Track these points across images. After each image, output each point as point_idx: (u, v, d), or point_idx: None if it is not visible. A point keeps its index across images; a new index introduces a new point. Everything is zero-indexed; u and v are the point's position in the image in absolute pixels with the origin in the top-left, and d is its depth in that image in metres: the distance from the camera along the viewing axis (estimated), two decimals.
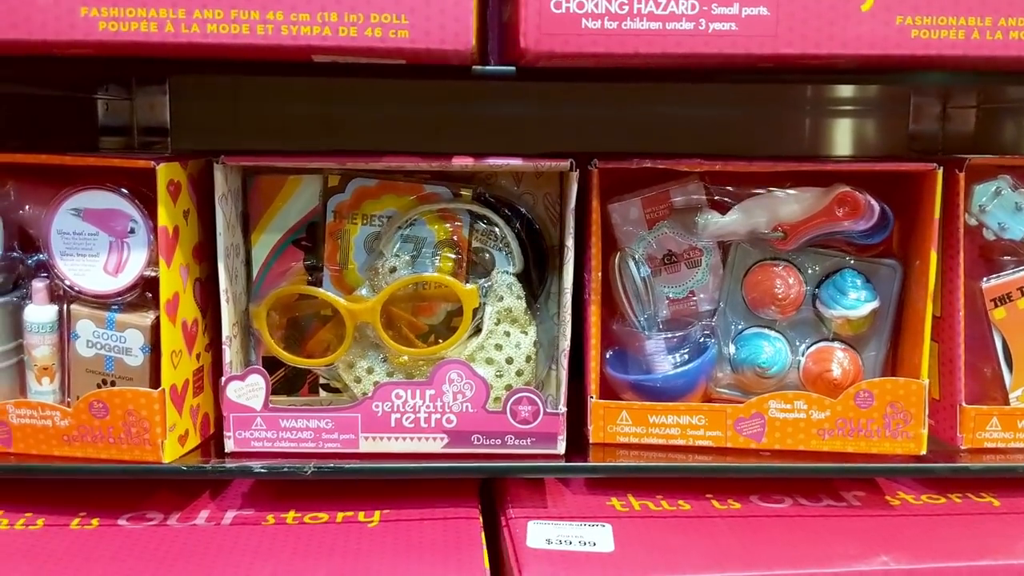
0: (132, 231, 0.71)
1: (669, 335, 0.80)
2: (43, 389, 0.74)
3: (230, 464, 0.72)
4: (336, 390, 0.79)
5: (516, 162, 0.72)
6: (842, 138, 1.24)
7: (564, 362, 0.74)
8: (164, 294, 0.70)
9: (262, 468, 0.71)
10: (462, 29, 0.61)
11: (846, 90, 1.22)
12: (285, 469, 0.71)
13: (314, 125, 1.16)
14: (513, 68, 0.68)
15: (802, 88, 1.23)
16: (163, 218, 0.69)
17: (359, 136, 1.14)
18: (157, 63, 0.66)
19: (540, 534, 0.72)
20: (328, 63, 0.67)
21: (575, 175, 0.72)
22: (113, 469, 0.71)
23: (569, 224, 0.72)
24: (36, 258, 0.74)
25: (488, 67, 0.68)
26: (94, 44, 0.60)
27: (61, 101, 1.09)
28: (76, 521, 0.74)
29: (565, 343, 0.74)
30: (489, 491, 0.81)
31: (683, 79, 0.69)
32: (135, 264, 0.71)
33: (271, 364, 0.77)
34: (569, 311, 0.73)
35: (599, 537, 0.72)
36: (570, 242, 0.73)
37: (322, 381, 0.79)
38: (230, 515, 0.76)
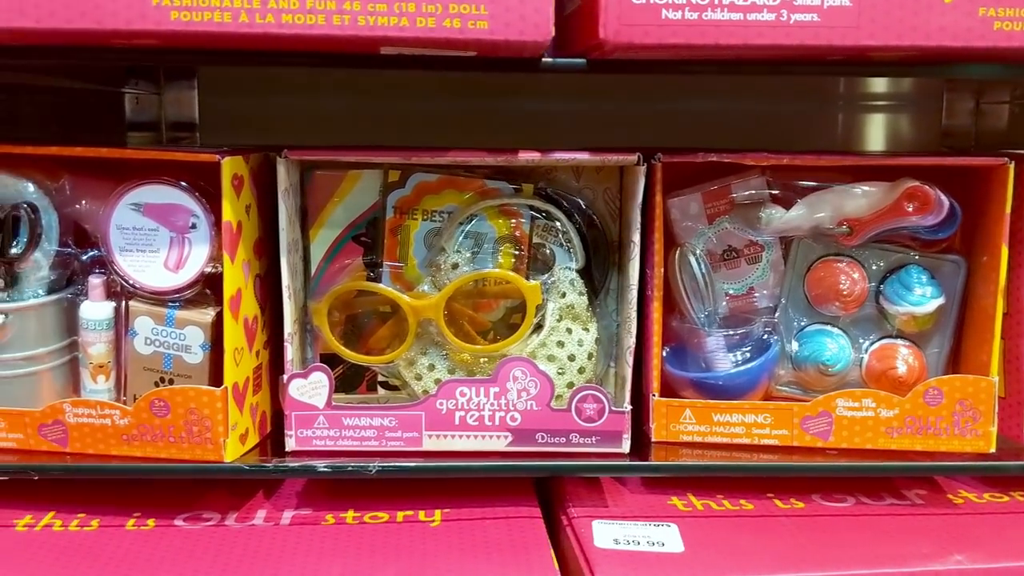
0: (193, 226, 0.69)
1: (730, 332, 0.79)
2: (98, 387, 0.73)
3: (293, 463, 0.71)
4: (394, 387, 0.78)
5: (583, 156, 0.71)
6: (875, 133, 1.23)
7: (629, 359, 0.73)
8: (228, 290, 0.68)
9: (326, 467, 0.70)
10: (542, 20, 0.59)
11: (879, 85, 1.22)
12: (349, 468, 0.70)
13: (343, 120, 1.15)
14: (584, 60, 0.67)
15: (835, 82, 1.22)
16: (227, 213, 0.67)
17: (390, 131, 1.13)
18: (219, 54, 0.65)
19: (607, 534, 0.71)
20: (393, 56, 0.66)
21: (642, 169, 0.71)
22: (175, 469, 0.70)
23: (635, 219, 0.71)
24: (91, 254, 0.73)
25: (560, 59, 0.66)
26: (165, 34, 0.59)
27: (90, 95, 1.07)
28: (131, 522, 0.73)
29: (631, 340, 0.73)
30: (543, 490, 0.80)
31: (759, 72, 0.68)
32: (196, 260, 0.70)
33: (327, 361, 0.76)
34: (634, 307, 0.72)
35: (666, 537, 0.71)
36: (636, 237, 0.72)
37: (380, 379, 0.78)
38: (288, 515, 0.75)
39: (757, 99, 1.17)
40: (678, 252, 0.78)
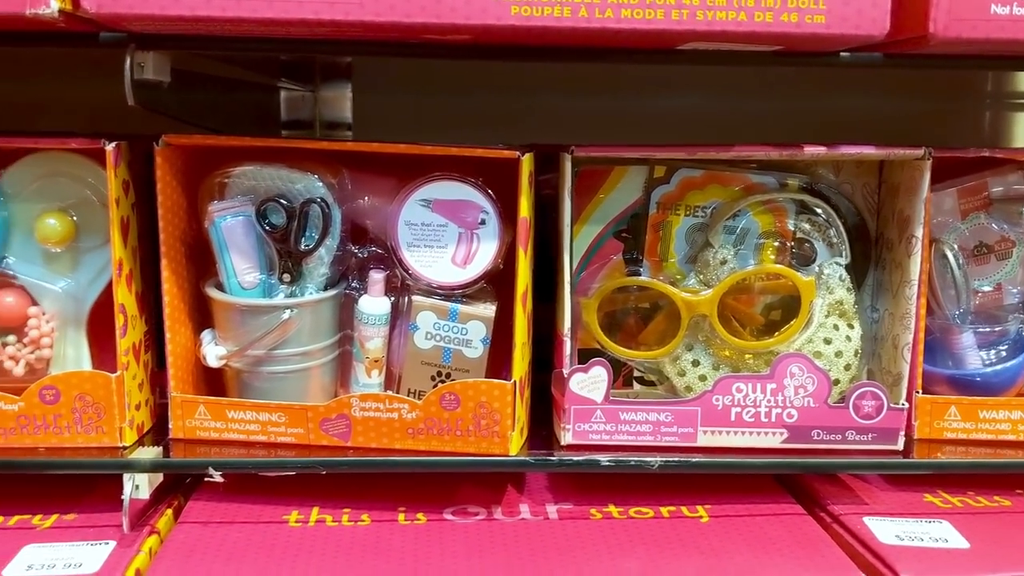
0: (483, 222, 0.69)
1: (985, 329, 0.78)
2: (371, 382, 0.73)
3: (576, 457, 0.71)
4: (650, 383, 0.78)
5: (869, 151, 0.70)
6: (1021, 131, 1.22)
7: (907, 356, 0.73)
8: (520, 285, 0.68)
9: (609, 462, 0.70)
10: (879, 15, 0.59)
11: None
12: (632, 463, 0.70)
13: (494, 116, 1.15)
14: (880, 55, 0.67)
15: (983, 79, 1.21)
16: (524, 209, 0.67)
17: (547, 128, 1.13)
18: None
19: (886, 531, 0.70)
20: (690, 50, 0.66)
21: (927, 164, 0.70)
22: (463, 462, 0.70)
23: (919, 214, 0.71)
24: (368, 249, 0.73)
25: (860, 54, 0.66)
26: (506, 29, 0.59)
27: (250, 92, 1.08)
28: (402, 516, 0.73)
29: (908, 337, 0.72)
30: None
31: None
32: (484, 256, 0.70)
33: (585, 357, 0.76)
34: (914, 304, 0.72)
35: (945, 533, 0.70)
36: (919, 232, 0.71)
37: (636, 374, 0.78)
38: (552, 509, 0.75)
39: (896, 97, 1.15)
40: (933, 247, 0.77)
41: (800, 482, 0.80)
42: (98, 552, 0.67)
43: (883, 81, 1.10)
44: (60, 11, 0.57)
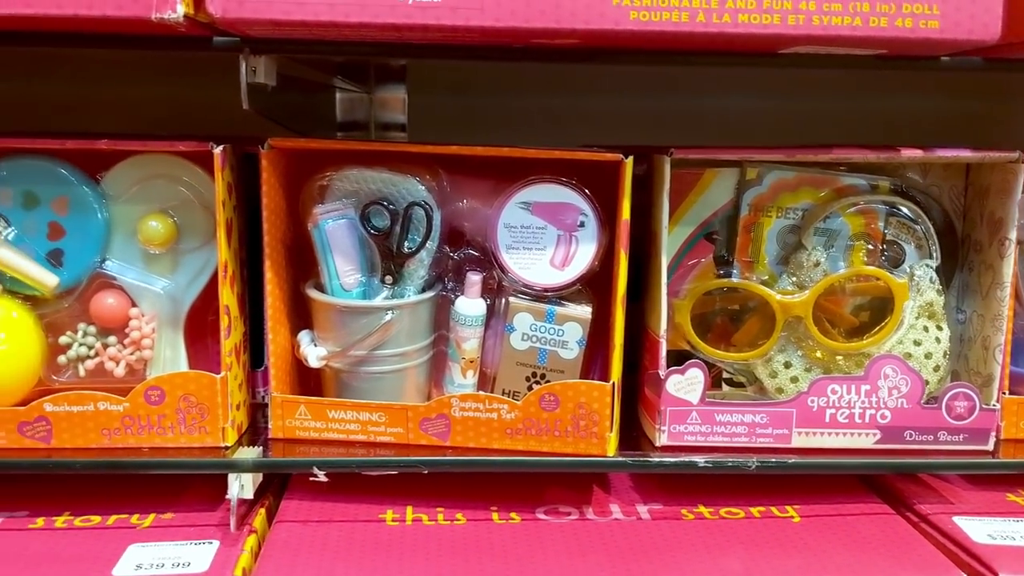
0: (582, 224, 0.70)
1: None
2: (466, 382, 0.74)
3: (673, 458, 0.71)
4: (739, 384, 0.78)
5: (965, 154, 0.71)
6: None
7: (999, 357, 0.73)
8: (620, 287, 0.69)
9: (707, 463, 0.71)
10: (991, 20, 0.60)
11: None
12: (729, 464, 0.71)
13: (539, 117, 1.15)
14: (979, 59, 0.67)
15: None
16: (626, 211, 0.68)
17: (597, 129, 1.13)
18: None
19: (977, 530, 0.71)
20: (791, 54, 0.66)
21: (1022, 166, 0.71)
22: (562, 462, 0.71)
23: (1013, 216, 0.72)
24: (463, 251, 0.74)
25: (961, 59, 0.67)
26: (625, 34, 0.59)
27: (315, 94, 1.08)
28: (496, 515, 0.74)
29: (1000, 337, 0.73)
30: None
31: None
32: (583, 258, 0.70)
33: (673, 359, 0.77)
34: (1006, 305, 0.73)
35: None
36: (1012, 235, 0.72)
37: (725, 375, 0.78)
38: (642, 509, 0.75)
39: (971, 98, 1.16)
40: (1019, 249, 0.78)
41: (883, 482, 0.81)
42: (203, 551, 0.67)
43: (937, 83, 1.10)
44: (184, 16, 0.58)
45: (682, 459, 0.71)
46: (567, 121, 1.14)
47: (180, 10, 0.57)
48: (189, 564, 0.65)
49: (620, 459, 0.71)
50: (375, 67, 1.15)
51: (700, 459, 0.71)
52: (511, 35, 0.60)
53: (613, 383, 0.70)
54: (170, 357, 0.74)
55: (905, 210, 0.75)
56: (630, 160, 0.67)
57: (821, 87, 1.07)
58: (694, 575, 0.65)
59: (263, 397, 0.79)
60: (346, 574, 0.64)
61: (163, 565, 0.65)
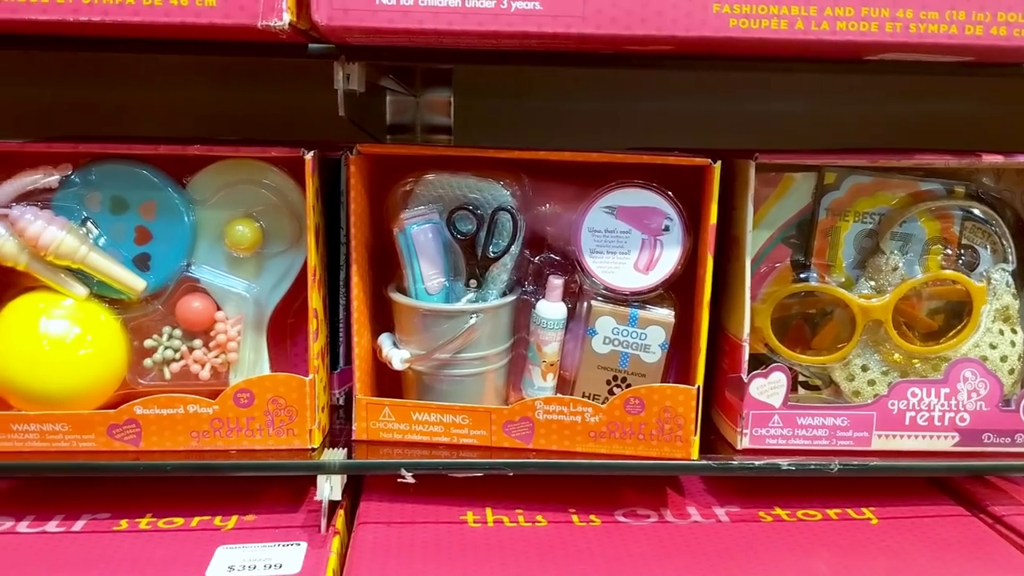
0: (667, 228, 0.71)
1: None
2: (546, 385, 0.74)
3: (757, 461, 0.72)
4: (814, 387, 0.79)
5: None
6: None
7: None
8: (705, 291, 0.70)
9: (790, 465, 0.71)
10: None
11: None
12: (812, 466, 0.71)
13: (592, 121, 1.16)
14: None
15: None
16: (713, 215, 0.69)
17: (645, 132, 1.14)
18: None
19: None
20: (876, 60, 0.67)
21: None
22: (646, 465, 0.71)
23: None
24: (544, 256, 0.74)
25: None
26: (722, 41, 0.60)
27: (373, 97, 1.09)
28: (575, 518, 0.74)
29: None
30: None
31: None
32: (667, 262, 0.71)
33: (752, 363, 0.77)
34: None
35: None
36: None
37: (800, 379, 0.79)
38: (720, 511, 0.76)
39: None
40: None
41: (954, 484, 0.82)
42: (293, 553, 0.68)
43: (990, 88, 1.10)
44: (289, 23, 0.58)
45: (766, 462, 0.72)
46: (611, 125, 1.15)
47: (287, 18, 0.58)
48: (281, 566, 0.66)
49: (704, 462, 0.72)
50: (421, 70, 1.16)
51: (783, 462, 0.72)
52: (608, 42, 0.61)
53: (698, 387, 0.70)
54: (253, 360, 0.75)
55: (981, 214, 0.76)
56: (718, 165, 0.68)
57: (882, 90, 1.08)
58: None
59: (338, 399, 0.80)
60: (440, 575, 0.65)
61: (255, 567, 0.66)
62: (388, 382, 0.78)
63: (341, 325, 0.79)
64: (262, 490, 0.77)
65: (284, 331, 0.77)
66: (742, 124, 1.11)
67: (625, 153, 0.70)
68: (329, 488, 0.69)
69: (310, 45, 0.65)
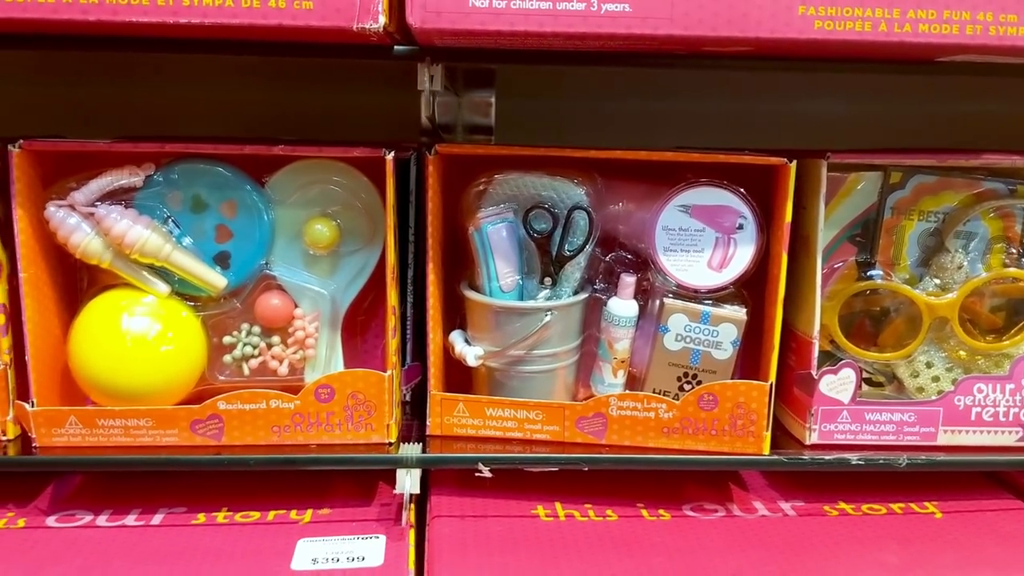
0: (740, 227, 0.72)
1: None
2: (616, 382, 0.75)
3: (827, 456, 0.73)
4: (877, 384, 0.80)
5: None
6: None
7: None
8: (780, 289, 0.71)
9: (859, 460, 0.72)
10: None
11: None
12: (880, 461, 0.73)
13: (632, 121, 1.17)
14: None
15: None
16: (788, 214, 0.70)
17: (684, 132, 1.15)
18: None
19: None
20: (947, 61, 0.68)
21: None
22: (720, 461, 0.72)
23: None
24: (615, 254, 0.75)
25: None
26: (806, 43, 0.61)
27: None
28: (645, 512, 0.75)
29: None
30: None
31: None
32: (740, 260, 0.72)
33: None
34: None
35: None
36: None
37: (865, 375, 0.80)
38: (785, 506, 0.77)
39: None
40: None
41: (1009, 478, 0.83)
42: (373, 546, 0.69)
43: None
44: (384, 26, 0.59)
45: (836, 457, 0.73)
46: (650, 125, 1.16)
47: (382, 20, 0.59)
48: (363, 559, 0.67)
49: (775, 457, 0.73)
50: (464, 70, 1.17)
51: (853, 456, 0.73)
52: (692, 43, 0.62)
53: (771, 383, 0.71)
54: (328, 356, 0.76)
55: None
56: (793, 164, 0.69)
57: (932, 91, 1.09)
58: (853, 569, 0.67)
59: (406, 395, 0.81)
60: (520, 568, 0.66)
61: (338, 560, 0.67)
62: (457, 379, 0.79)
63: (409, 323, 0.80)
64: (333, 484, 0.79)
65: (355, 328, 0.79)
66: (779, 124, 1.12)
67: (699, 152, 0.71)
68: (408, 481, 0.70)
69: (395, 47, 0.66)
